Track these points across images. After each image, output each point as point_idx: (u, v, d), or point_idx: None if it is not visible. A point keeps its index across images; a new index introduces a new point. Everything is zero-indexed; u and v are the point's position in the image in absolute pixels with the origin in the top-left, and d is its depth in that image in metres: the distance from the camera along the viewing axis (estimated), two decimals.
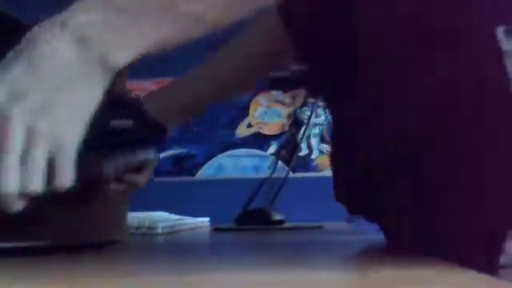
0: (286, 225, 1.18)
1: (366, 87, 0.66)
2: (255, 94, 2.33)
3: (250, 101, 2.34)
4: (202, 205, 1.95)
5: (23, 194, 0.51)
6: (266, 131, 2.34)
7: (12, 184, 0.50)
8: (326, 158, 2.32)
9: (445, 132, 0.58)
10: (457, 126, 0.57)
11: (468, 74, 0.57)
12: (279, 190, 2.25)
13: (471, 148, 0.57)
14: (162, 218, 1.10)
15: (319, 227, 1.11)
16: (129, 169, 0.75)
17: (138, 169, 0.77)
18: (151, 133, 0.71)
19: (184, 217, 1.21)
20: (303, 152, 2.33)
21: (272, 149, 2.33)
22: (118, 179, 0.76)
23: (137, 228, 0.96)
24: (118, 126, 0.65)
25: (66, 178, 0.53)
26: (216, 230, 1.14)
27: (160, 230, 0.96)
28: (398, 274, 0.46)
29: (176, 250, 0.74)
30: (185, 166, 2.34)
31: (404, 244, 0.66)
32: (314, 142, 2.33)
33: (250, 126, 2.34)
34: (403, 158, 0.62)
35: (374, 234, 0.85)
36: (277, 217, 1.19)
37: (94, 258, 0.59)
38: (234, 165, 2.34)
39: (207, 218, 1.31)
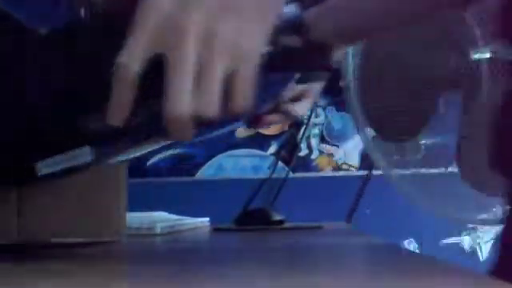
0: (286, 225, 1.18)
1: None
2: None
3: None
4: (202, 205, 1.95)
5: (196, 119, 0.43)
6: (266, 131, 2.34)
7: (185, 107, 0.42)
8: (325, 158, 2.32)
9: None
10: None
11: None
12: (279, 190, 2.25)
13: None
14: (162, 218, 1.09)
15: (319, 227, 1.11)
16: (287, 98, 0.65)
17: (296, 99, 0.67)
18: (316, 57, 0.59)
19: (184, 217, 1.21)
20: (303, 152, 2.33)
21: (272, 149, 2.33)
22: (274, 109, 0.66)
23: (137, 228, 0.96)
24: (287, 43, 0.54)
25: (245, 98, 0.44)
26: (216, 230, 1.14)
27: (159, 231, 0.96)
28: (398, 274, 0.46)
29: (176, 250, 0.74)
30: (185, 166, 2.34)
31: None
32: (313, 142, 2.33)
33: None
34: None
35: (372, 234, 0.85)
36: (277, 217, 1.19)
37: (94, 258, 0.59)
38: (234, 165, 2.33)
39: (207, 218, 1.31)
